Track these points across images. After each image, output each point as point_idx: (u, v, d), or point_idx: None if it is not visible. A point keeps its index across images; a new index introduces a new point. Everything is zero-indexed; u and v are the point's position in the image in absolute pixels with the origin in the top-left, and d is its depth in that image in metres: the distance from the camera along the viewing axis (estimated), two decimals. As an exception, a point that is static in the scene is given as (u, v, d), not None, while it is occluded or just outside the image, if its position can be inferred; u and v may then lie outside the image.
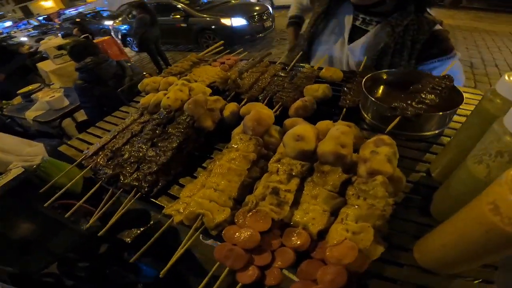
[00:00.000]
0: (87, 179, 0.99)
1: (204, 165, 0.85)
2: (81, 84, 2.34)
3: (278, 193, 0.60)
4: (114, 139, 0.99)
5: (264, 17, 7.25)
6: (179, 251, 0.59)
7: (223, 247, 0.57)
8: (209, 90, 1.07)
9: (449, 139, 0.76)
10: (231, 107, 0.95)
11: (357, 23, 1.18)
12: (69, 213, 0.76)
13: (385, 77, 0.88)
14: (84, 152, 0.95)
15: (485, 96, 0.51)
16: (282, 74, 1.12)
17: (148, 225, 1.87)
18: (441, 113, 0.67)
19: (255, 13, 7.11)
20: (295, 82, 1.02)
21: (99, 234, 0.69)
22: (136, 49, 7.35)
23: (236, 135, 0.78)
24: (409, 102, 0.71)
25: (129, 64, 2.57)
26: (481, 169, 0.44)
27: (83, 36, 5.83)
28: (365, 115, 0.83)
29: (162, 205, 0.74)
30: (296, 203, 0.60)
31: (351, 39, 1.19)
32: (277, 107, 0.92)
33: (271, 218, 0.57)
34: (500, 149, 0.40)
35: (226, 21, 6.90)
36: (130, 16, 8.04)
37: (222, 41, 1.56)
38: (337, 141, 0.60)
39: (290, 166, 0.63)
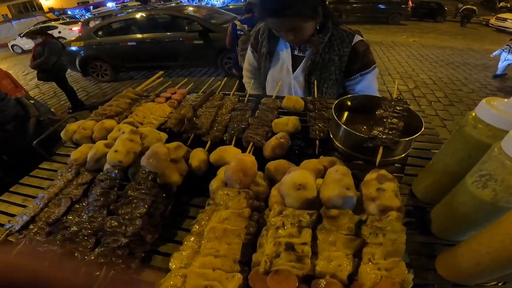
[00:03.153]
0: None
1: (184, 227, 0.73)
2: (-32, 133, 1.79)
3: (293, 248, 0.55)
4: (46, 208, 0.78)
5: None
6: None
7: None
8: (164, 136, 0.94)
9: (417, 159, 0.86)
10: (199, 154, 0.84)
11: (295, 52, 1.32)
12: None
13: (348, 103, 0.92)
14: (7, 227, 0.73)
15: (467, 122, 0.57)
16: (241, 107, 1.07)
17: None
18: (413, 136, 0.73)
19: None
20: (260, 116, 0.99)
21: None
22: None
23: (219, 191, 0.69)
24: (381, 129, 0.76)
25: (32, 101, 2.09)
26: (487, 193, 0.49)
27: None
28: (338, 144, 0.85)
29: (150, 280, 0.61)
30: (313, 253, 0.56)
31: (294, 67, 1.32)
32: (249, 148, 0.86)
33: (295, 276, 0.52)
34: (505, 176, 0.45)
35: None
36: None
37: (161, 72, 1.42)
38: (341, 184, 0.59)
39: (297, 217, 0.58)
